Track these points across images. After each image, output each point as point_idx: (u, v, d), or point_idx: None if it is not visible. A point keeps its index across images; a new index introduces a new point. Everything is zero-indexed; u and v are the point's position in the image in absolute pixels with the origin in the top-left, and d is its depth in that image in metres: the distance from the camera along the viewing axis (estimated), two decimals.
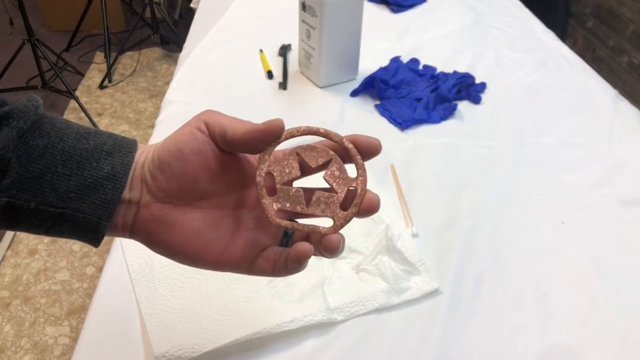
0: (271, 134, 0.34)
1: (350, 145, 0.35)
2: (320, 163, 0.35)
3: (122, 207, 0.34)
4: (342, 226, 0.35)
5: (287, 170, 0.36)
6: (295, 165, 0.36)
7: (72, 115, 2.27)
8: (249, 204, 0.37)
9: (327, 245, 0.34)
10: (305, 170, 0.36)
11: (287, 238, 0.37)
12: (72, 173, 0.32)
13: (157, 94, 2.46)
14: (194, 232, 0.35)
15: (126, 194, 0.34)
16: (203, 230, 0.36)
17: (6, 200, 0.31)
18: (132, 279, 0.58)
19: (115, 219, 0.35)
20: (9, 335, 1.40)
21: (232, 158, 0.36)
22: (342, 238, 0.35)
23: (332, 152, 0.35)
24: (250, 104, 0.90)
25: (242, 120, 0.35)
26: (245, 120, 0.35)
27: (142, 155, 0.36)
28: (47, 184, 0.32)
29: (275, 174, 0.36)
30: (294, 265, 0.35)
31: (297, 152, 0.36)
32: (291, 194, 0.35)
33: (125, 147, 0.35)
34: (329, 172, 0.35)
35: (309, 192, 0.35)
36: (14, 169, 0.31)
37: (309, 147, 0.36)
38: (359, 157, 0.35)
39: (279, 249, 0.37)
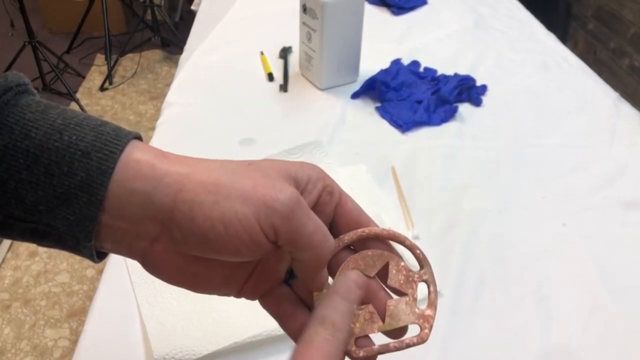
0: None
1: (409, 242, 0.33)
2: (379, 268, 0.32)
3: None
4: (431, 328, 0.31)
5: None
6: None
7: None
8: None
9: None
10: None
11: (291, 277, 0.33)
12: (40, 180, 0.26)
13: (158, 96, 2.46)
14: (196, 277, 0.31)
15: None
16: (208, 278, 0.31)
17: None
18: (132, 281, 0.58)
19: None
20: (9, 338, 1.40)
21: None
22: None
23: (386, 253, 0.32)
24: (251, 106, 0.90)
25: (315, 233, 0.29)
26: (314, 227, 0.29)
27: (178, 183, 0.28)
28: (11, 194, 0.26)
29: None
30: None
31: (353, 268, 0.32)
32: (367, 319, 0.31)
33: (109, 145, 0.27)
34: (391, 277, 0.32)
35: (380, 303, 0.32)
36: None
37: (361, 257, 0.32)
38: (418, 251, 0.32)
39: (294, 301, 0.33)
